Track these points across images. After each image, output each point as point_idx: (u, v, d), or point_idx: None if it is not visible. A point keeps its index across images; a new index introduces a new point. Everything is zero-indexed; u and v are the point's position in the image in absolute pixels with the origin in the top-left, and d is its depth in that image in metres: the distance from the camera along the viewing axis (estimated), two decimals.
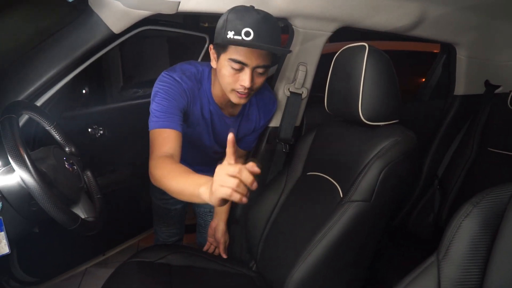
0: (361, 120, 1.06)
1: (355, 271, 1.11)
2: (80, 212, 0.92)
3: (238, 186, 0.66)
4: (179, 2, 1.03)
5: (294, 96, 1.42)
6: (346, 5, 1.25)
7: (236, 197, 0.66)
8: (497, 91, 1.63)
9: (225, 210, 1.44)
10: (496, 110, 1.57)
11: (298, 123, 1.49)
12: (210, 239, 1.47)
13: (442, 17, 1.37)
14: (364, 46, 1.05)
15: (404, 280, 0.66)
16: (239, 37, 0.93)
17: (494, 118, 1.57)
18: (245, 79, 1.00)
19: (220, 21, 0.99)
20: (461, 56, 1.59)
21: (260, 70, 1.01)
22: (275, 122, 1.45)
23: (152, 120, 1.06)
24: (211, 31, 2.14)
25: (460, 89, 1.67)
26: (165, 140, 1.02)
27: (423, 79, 1.97)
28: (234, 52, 0.98)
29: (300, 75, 1.39)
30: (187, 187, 0.82)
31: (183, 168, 0.91)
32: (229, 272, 1.32)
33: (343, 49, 1.13)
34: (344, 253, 1.03)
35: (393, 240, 1.57)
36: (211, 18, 1.19)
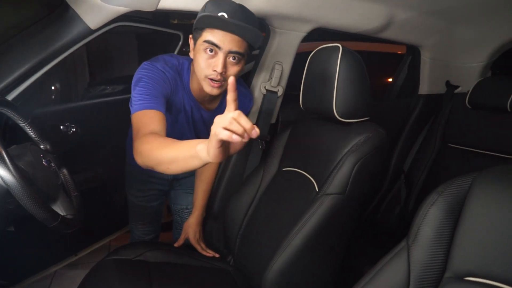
0: (335, 117, 1.11)
1: (330, 261, 1.16)
2: (59, 209, 0.91)
3: (237, 128, 0.64)
4: (159, 0, 1.04)
5: (270, 94, 1.46)
6: (320, 7, 1.30)
7: (236, 138, 0.63)
8: (456, 91, 1.74)
9: (201, 205, 1.46)
10: (456, 109, 1.68)
11: (274, 120, 1.53)
12: (182, 235, 1.47)
13: (408, 21, 1.46)
14: (338, 47, 1.10)
15: (378, 264, 0.71)
16: (215, 15, 0.97)
17: (454, 116, 1.69)
18: (217, 64, 1.01)
19: (200, 11, 1.03)
20: (425, 58, 1.69)
21: (233, 56, 1.02)
22: (251, 119, 1.48)
23: (135, 103, 1.03)
24: (185, 28, 2.14)
25: (424, 88, 1.77)
26: (151, 120, 0.99)
27: (391, 79, 2.08)
28: (208, 34, 1.00)
29: (276, 73, 1.42)
30: (181, 151, 0.78)
31: (173, 139, 0.86)
32: (207, 267, 1.34)
33: (318, 49, 1.18)
34: (320, 244, 1.08)
35: (363, 231, 1.65)
36: (182, 15, 1.20)
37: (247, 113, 1.40)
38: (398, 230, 1.77)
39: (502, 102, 1.41)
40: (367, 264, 0.85)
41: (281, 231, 1.11)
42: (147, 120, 0.99)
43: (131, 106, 1.06)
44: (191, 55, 1.10)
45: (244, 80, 1.54)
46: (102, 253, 1.38)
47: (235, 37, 0.99)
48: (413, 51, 1.74)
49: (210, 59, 1.03)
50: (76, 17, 1.07)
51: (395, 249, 0.71)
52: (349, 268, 1.22)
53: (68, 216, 0.92)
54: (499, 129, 1.45)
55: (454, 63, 1.72)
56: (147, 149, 0.87)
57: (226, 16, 0.97)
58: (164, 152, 0.82)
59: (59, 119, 1.58)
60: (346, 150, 1.05)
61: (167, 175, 1.50)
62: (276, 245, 1.08)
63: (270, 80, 1.44)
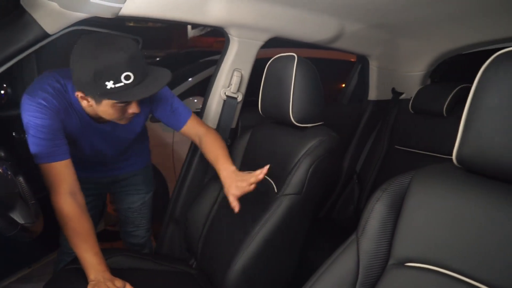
0: (292, 122, 1.18)
1: (289, 257, 1.22)
2: (18, 218, 0.89)
3: None
4: (121, 7, 1.05)
5: (230, 99, 1.50)
6: (277, 18, 1.37)
7: None
8: (401, 97, 1.89)
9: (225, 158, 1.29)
10: (401, 114, 1.83)
11: (234, 125, 1.57)
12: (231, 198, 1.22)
13: (357, 33, 1.57)
14: (294, 56, 1.17)
15: (332, 256, 0.78)
16: (121, 84, 0.93)
17: (399, 120, 1.83)
18: (134, 109, 1.03)
19: (86, 70, 0.93)
20: (373, 67, 1.82)
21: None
22: (212, 124, 1.52)
23: (36, 154, 1.03)
24: (142, 32, 2.12)
25: (372, 94, 1.90)
26: (58, 177, 1.05)
27: (343, 85, 2.21)
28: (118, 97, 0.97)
29: (236, 80, 1.47)
30: (82, 254, 1.07)
31: (86, 228, 1.08)
32: (169, 271, 1.34)
33: (275, 58, 1.24)
34: (280, 241, 1.13)
35: (320, 229, 1.74)
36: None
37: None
38: (352, 227, 1.87)
39: (439, 107, 1.55)
40: (323, 259, 0.92)
41: (242, 232, 1.14)
42: (54, 177, 1.05)
43: (31, 151, 1.04)
44: (84, 105, 1.04)
45: (205, 86, 1.57)
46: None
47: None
48: (363, 60, 1.87)
49: (123, 108, 1.03)
50: (32, 21, 1.05)
51: (346, 241, 0.78)
52: (306, 263, 1.29)
53: (27, 225, 0.90)
54: (437, 132, 1.60)
55: (399, 71, 1.87)
56: (65, 218, 1.06)
57: (130, 75, 0.93)
58: (74, 237, 1.07)
59: (11, 125, 1.52)
60: (302, 153, 1.12)
61: (106, 177, 1.48)
62: (237, 246, 1.11)
63: (230, 86, 1.48)
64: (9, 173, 0.95)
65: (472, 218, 0.60)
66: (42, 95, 1.03)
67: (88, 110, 1.10)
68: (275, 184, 1.19)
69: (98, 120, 1.17)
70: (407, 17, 1.42)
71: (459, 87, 1.54)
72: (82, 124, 1.15)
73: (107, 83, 0.92)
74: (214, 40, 10.28)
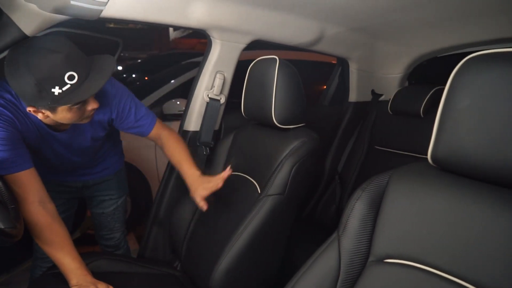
0: (274, 124, 1.20)
1: (273, 257, 1.24)
2: None
3: None
4: (102, 10, 1.04)
5: (213, 101, 1.51)
6: (258, 21, 1.39)
7: None
8: (380, 99, 1.94)
9: (189, 163, 1.28)
10: (380, 115, 1.87)
11: (217, 127, 1.58)
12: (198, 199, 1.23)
13: (336, 36, 1.61)
14: (275, 59, 1.18)
15: (314, 254, 0.80)
16: (68, 86, 0.91)
17: (379, 121, 1.87)
18: (92, 104, 1.02)
19: (26, 84, 0.89)
20: (353, 69, 1.86)
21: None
22: (195, 126, 1.52)
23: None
24: (122, 33, 2.10)
25: (353, 96, 1.94)
26: (25, 187, 1.02)
27: (324, 87, 2.24)
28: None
29: (218, 82, 1.48)
30: (61, 262, 1.07)
31: (60, 235, 1.07)
32: (153, 273, 1.33)
33: (257, 61, 1.26)
34: (263, 241, 1.15)
35: (303, 229, 1.76)
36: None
37: (118, 100, 1.21)
38: (334, 226, 1.90)
39: (417, 109, 1.60)
40: (306, 258, 0.94)
41: (227, 233, 1.15)
42: (22, 187, 1.02)
43: None
44: (40, 117, 1.00)
45: (187, 88, 1.57)
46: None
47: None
48: (343, 63, 1.91)
49: (81, 107, 1.01)
50: (10, 23, 1.02)
51: (328, 240, 0.80)
52: (289, 262, 1.31)
53: (7, 229, 0.89)
54: (414, 132, 1.65)
55: (377, 73, 1.92)
56: (36, 228, 1.05)
57: (74, 74, 0.91)
58: (48, 248, 1.07)
59: None
60: (284, 154, 1.14)
61: (77, 182, 1.45)
62: (222, 247, 1.12)
63: (212, 88, 1.49)
64: None
65: (445, 214, 0.62)
66: None
67: (46, 121, 1.06)
68: (258, 185, 1.20)
69: (57, 128, 1.14)
70: (385, 21, 1.46)
71: (435, 88, 1.59)
72: (41, 134, 1.13)
73: (53, 90, 0.89)
74: (197, 41, 10.23)
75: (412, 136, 1.66)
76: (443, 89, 0.64)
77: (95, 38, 1.88)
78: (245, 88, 1.31)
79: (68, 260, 1.06)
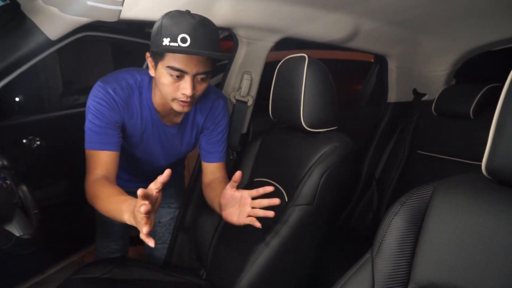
0: (303, 127, 1.12)
1: (300, 271, 1.16)
2: (15, 229, 0.86)
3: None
4: (121, 10, 1.02)
5: (240, 104, 1.46)
6: (287, 17, 1.32)
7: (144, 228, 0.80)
8: (423, 98, 1.80)
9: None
10: (423, 116, 1.73)
11: (244, 130, 1.53)
12: None
13: (373, 31, 1.50)
14: (304, 57, 1.11)
15: (344, 276, 0.71)
16: (175, 44, 0.90)
17: (422, 123, 1.74)
18: (186, 87, 0.96)
19: (155, 28, 0.95)
20: (392, 67, 1.74)
21: (201, 77, 0.98)
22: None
23: (86, 139, 1.05)
24: None
25: (392, 96, 1.82)
26: (97, 163, 1.03)
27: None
28: (171, 60, 0.93)
29: (245, 83, 1.43)
30: (111, 212, 0.94)
31: (111, 190, 0.97)
32: (177, 282, 1.31)
33: (285, 60, 1.19)
34: (290, 254, 1.08)
35: (337, 238, 1.66)
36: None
37: (220, 119, 1.24)
38: (371, 237, 1.79)
39: (466, 109, 1.46)
40: (338, 273, 0.86)
41: (252, 242, 1.10)
42: (93, 163, 1.04)
43: (85, 138, 1.06)
44: (151, 73, 1.02)
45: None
46: (72, 270, 1.32)
47: (200, 58, 0.95)
48: (381, 60, 1.79)
49: (177, 82, 0.97)
50: (34, 27, 1.03)
51: (360, 260, 0.71)
52: (319, 277, 1.22)
53: (25, 236, 0.87)
54: (463, 135, 1.50)
55: (420, 71, 1.78)
56: (89, 196, 1.02)
57: (187, 38, 0.90)
58: (99, 206, 0.98)
59: (22, 132, 1.52)
60: (314, 160, 1.06)
61: (136, 189, 1.44)
62: (247, 257, 1.07)
63: (239, 90, 1.43)
64: (8, 182, 0.92)
65: (503, 238, 0.53)
66: (113, 85, 1.04)
67: (156, 98, 1.09)
68: (285, 192, 1.13)
69: (169, 119, 1.17)
70: (429, 13, 1.34)
71: (488, 86, 1.44)
72: (152, 121, 1.14)
73: (164, 39, 0.91)
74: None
75: (460, 140, 1.52)
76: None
77: (135, 43, 1.88)
78: (273, 88, 1.24)
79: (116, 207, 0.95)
